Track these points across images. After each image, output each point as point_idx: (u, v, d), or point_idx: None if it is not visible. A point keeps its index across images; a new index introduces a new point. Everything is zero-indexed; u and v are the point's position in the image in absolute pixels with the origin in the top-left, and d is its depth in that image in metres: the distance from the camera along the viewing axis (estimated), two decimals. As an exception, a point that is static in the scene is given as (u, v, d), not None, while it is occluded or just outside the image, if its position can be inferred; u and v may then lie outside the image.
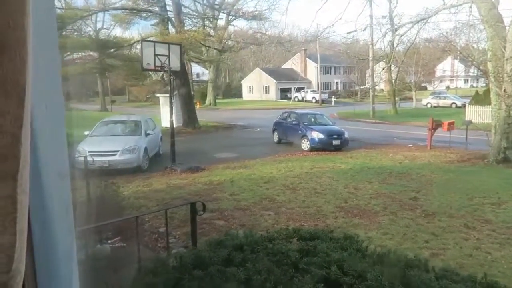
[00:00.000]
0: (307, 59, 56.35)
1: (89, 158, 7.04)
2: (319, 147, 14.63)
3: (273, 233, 2.84)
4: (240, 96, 57.44)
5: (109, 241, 4.06)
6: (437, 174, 10.30)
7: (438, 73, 55.88)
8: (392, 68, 32.81)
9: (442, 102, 38.74)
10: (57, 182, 0.76)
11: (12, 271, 0.53)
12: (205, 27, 29.51)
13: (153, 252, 4.94)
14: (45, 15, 0.67)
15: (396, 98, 33.67)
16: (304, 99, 48.68)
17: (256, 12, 29.43)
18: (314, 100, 47.14)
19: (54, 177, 0.76)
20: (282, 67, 60.02)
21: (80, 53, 28.81)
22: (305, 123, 15.81)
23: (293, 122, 16.44)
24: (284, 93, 53.78)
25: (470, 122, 15.98)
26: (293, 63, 56.83)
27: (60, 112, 0.72)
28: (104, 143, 10.84)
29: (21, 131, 0.46)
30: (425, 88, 52.67)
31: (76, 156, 7.72)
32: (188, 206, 3.78)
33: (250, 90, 56.74)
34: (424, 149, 14.48)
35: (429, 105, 39.25)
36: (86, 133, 11.76)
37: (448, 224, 6.59)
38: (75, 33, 26.67)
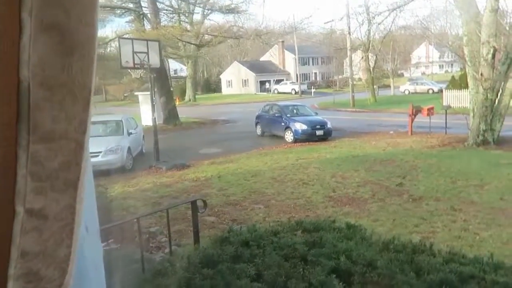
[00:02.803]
0: (285, 50, 56.37)
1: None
2: (303, 138, 14.70)
3: (276, 227, 2.82)
4: (220, 90, 57.11)
5: (102, 244, 3.96)
6: (420, 159, 10.49)
7: (413, 60, 56.88)
8: (370, 57, 33.19)
9: (419, 88, 39.46)
10: (87, 187, 0.73)
11: (64, 285, 0.49)
12: (181, 22, 29.13)
13: (146, 252, 4.86)
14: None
15: (375, 86, 34.09)
16: (277, 90, 48.75)
17: (232, 6, 29.18)
18: (293, 92, 47.29)
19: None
20: (260, 59, 59.91)
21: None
22: (287, 115, 15.85)
23: (276, 115, 16.44)
24: (264, 85, 53.75)
25: (449, 106, 16.32)
26: (271, 56, 56.77)
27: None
28: (85, 145, 10.57)
29: (84, 137, 0.42)
30: (402, 75, 53.59)
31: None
32: (182, 205, 3.72)
33: (229, 84, 56.48)
34: (406, 135, 14.73)
35: (406, 92, 39.94)
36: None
37: (436, 208, 6.73)
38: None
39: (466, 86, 14.25)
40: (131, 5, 23.25)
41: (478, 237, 5.46)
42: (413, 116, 14.90)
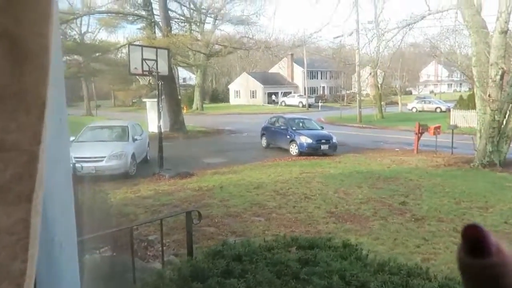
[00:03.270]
0: (293, 63, 56.62)
1: (77, 165, 6.90)
2: (307, 152, 14.64)
3: (271, 242, 2.78)
4: (227, 100, 57.33)
5: (98, 251, 3.95)
6: (425, 179, 10.39)
7: (422, 78, 56.84)
8: (378, 73, 33.19)
9: (427, 107, 39.32)
10: (63, 199, 0.71)
11: None
12: (192, 32, 29.44)
13: (143, 261, 4.84)
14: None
15: (382, 103, 34.01)
16: (284, 103, 48.89)
17: (243, 17, 29.51)
18: (301, 105, 47.35)
19: (59, 194, 0.71)
20: (269, 71, 60.15)
21: (64, 57, 28.37)
22: (293, 128, 15.83)
23: (282, 127, 16.44)
24: (272, 97, 53.93)
25: (456, 126, 16.22)
26: (280, 68, 57.00)
27: (66, 125, 0.67)
28: (90, 149, 10.64)
29: (39, 148, 0.41)
30: (410, 93, 53.45)
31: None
32: (182, 213, 3.69)
33: (237, 95, 56.71)
34: (411, 154, 14.63)
35: (414, 110, 39.80)
36: (71, 138, 11.54)
37: (438, 229, 6.64)
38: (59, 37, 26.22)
39: (474, 106, 14.17)
40: (143, 13, 23.57)
41: (480, 261, 5.37)
42: (419, 135, 14.81)
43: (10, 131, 0.39)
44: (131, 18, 24.30)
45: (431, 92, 58.23)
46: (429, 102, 40.66)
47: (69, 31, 28.23)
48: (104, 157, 10.46)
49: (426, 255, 5.59)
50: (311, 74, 56.19)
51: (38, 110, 0.40)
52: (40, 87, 0.40)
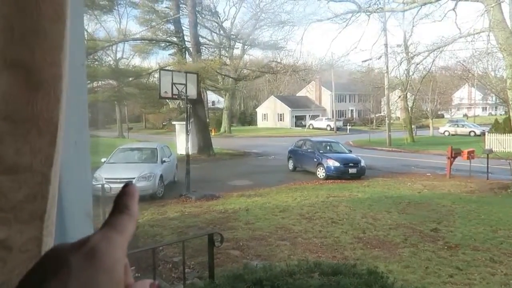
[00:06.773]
0: (321, 87, 56.66)
1: (106, 186, 7.08)
2: (335, 176, 14.44)
3: (293, 267, 2.73)
4: (255, 123, 57.77)
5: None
6: (458, 205, 9.98)
7: (455, 101, 55.45)
8: (408, 96, 32.66)
9: (460, 130, 38.17)
10: (81, 221, 0.73)
11: None
12: (221, 56, 30.16)
13: (167, 283, 4.84)
14: (75, 48, 0.65)
15: (413, 126, 33.29)
16: (312, 126, 48.76)
17: (271, 42, 30.02)
18: (329, 128, 47.05)
19: (78, 217, 0.73)
20: (297, 95, 60.42)
21: (99, 82, 29.64)
22: (320, 151, 15.71)
23: (309, 150, 16.35)
24: (300, 120, 53.96)
25: (491, 150, 15.59)
26: (308, 91, 57.18)
27: (86, 148, 0.70)
28: (120, 170, 10.92)
29: (51, 170, 0.43)
30: (442, 116, 52.10)
31: (94, 183, 7.77)
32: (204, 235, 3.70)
33: (264, 118, 57.07)
34: (443, 178, 14.14)
35: (446, 133, 38.72)
36: (103, 160, 11.90)
37: (473, 258, 6.31)
38: (96, 63, 27.49)
39: (510, 130, 13.65)
40: (175, 39, 24.43)
41: (520, 294, 5.05)
42: (452, 159, 14.33)
43: (23, 154, 0.42)
44: (163, 44, 25.23)
45: (464, 115, 56.60)
46: (462, 126, 39.48)
47: (105, 57, 29.55)
48: (133, 178, 10.69)
49: (460, 286, 5.31)
50: (339, 97, 55.95)
51: (50, 134, 0.43)
52: (53, 112, 0.42)
